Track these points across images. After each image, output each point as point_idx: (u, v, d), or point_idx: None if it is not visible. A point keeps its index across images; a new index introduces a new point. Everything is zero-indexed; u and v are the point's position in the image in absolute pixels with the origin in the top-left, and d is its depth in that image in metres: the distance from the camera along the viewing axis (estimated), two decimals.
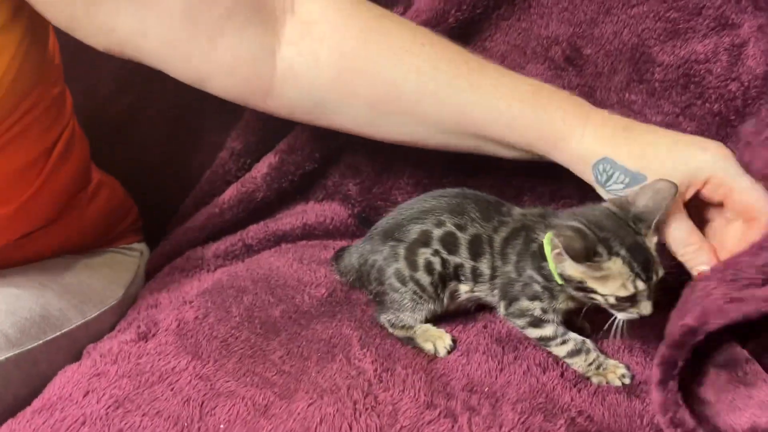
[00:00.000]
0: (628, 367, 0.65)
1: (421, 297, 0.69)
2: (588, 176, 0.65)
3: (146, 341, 0.66)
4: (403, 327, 0.70)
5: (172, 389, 0.61)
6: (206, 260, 0.86)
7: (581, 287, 0.62)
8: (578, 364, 0.66)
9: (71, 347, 0.73)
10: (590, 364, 0.65)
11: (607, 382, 0.64)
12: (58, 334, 0.71)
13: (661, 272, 0.61)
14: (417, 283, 0.69)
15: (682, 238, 0.62)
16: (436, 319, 0.71)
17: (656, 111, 0.76)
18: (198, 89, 0.69)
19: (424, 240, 0.68)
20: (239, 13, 0.62)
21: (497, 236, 0.67)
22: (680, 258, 0.62)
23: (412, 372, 0.65)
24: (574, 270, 0.61)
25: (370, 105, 0.67)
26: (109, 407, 0.58)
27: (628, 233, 0.61)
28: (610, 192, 0.64)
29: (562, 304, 0.65)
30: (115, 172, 0.92)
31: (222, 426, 0.58)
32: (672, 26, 0.75)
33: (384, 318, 0.71)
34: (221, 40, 0.63)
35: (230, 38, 0.63)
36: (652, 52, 0.75)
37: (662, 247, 0.63)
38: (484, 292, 0.70)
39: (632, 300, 0.61)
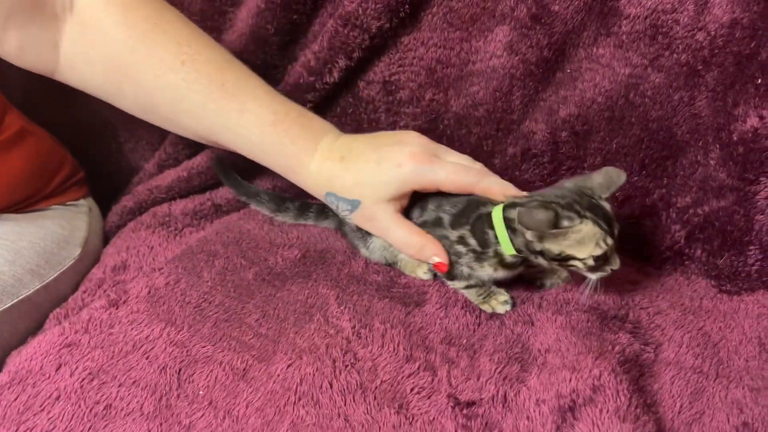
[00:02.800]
0: (510, 296, 0.70)
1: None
2: (324, 201, 0.74)
3: (117, 309, 0.64)
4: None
5: (147, 358, 0.59)
6: (174, 217, 0.83)
7: (561, 258, 0.64)
8: (471, 294, 0.70)
9: (33, 313, 0.70)
10: (480, 294, 0.69)
11: (492, 309, 0.69)
12: (15, 301, 0.69)
13: (617, 228, 0.64)
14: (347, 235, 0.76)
15: (405, 242, 0.70)
16: None
17: (624, 63, 0.74)
18: None
19: None
20: (19, 13, 0.68)
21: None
22: (414, 257, 0.71)
23: (391, 327, 0.64)
24: (553, 244, 0.63)
25: (137, 105, 0.74)
26: (83, 380, 0.56)
27: (584, 198, 0.63)
28: (344, 217, 0.73)
29: (488, 270, 0.68)
30: (63, 131, 0.88)
31: (201, 392, 0.57)
32: None
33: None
34: (6, 34, 0.69)
35: (14, 33, 0.69)
36: (620, 5, 0.73)
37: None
38: None
39: (605, 258, 0.63)
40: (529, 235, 0.63)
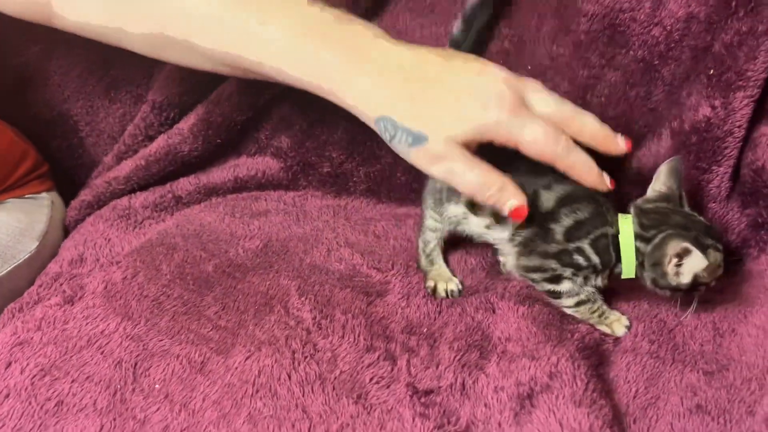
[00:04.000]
0: (629, 320, 0.65)
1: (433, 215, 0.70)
2: (373, 128, 0.61)
3: (72, 305, 0.62)
4: (428, 257, 0.71)
5: (102, 353, 0.57)
6: (134, 210, 0.80)
7: (696, 284, 0.61)
8: (583, 314, 0.65)
9: None
10: (593, 312, 0.65)
11: (611, 332, 0.64)
12: None
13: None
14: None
15: (480, 182, 0.58)
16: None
17: (583, 64, 0.73)
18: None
19: None
20: None
21: (549, 194, 0.63)
22: (488, 201, 0.59)
23: (352, 317, 0.63)
24: (697, 275, 0.61)
25: (144, 39, 0.66)
26: (34, 377, 0.55)
27: (695, 222, 0.62)
28: (394, 146, 0.60)
29: (597, 281, 0.65)
30: (23, 126, 0.84)
31: (158, 386, 0.55)
32: None
33: (420, 241, 0.72)
34: None
35: None
36: (577, 1, 0.72)
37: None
38: (500, 233, 0.66)
39: None
40: (668, 268, 0.60)
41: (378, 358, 0.59)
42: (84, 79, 0.84)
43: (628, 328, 0.64)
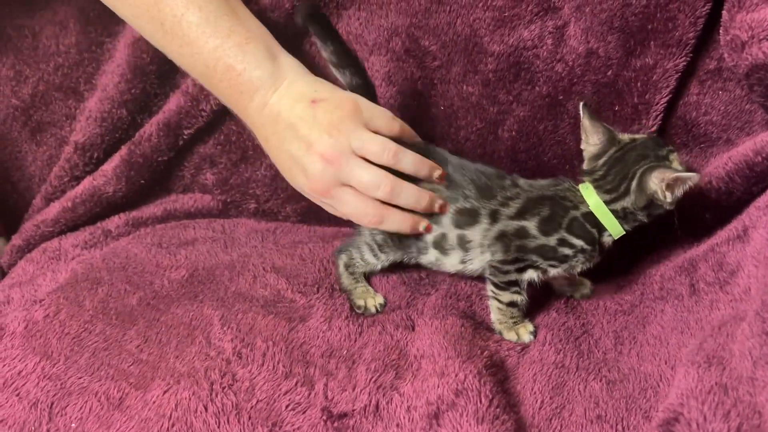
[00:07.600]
0: (535, 327, 0.67)
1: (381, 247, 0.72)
2: None
3: None
4: (352, 275, 0.71)
5: (17, 394, 0.55)
6: (64, 251, 0.78)
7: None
8: (505, 314, 0.66)
9: None
10: (512, 317, 0.66)
11: (517, 338, 0.65)
12: None
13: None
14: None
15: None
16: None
17: (492, 102, 0.74)
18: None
19: None
20: None
21: (507, 209, 0.66)
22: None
23: (273, 344, 0.63)
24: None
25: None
26: None
27: (645, 145, 0.65)
28: None
29: (592, 262, 0.66)
30: None
31: (74, 424, 0.54)
32: (499, 14, 0.73)
33: (342, 257, 0.72)
34: None
35: None
36: (483, 42, 0.73)
37: None
38: (478, 261, 0.68)
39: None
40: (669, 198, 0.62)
41: (296, 384, 0.58)
42: (9, 126, 0.82)
43: (534, 334, 0.66)
